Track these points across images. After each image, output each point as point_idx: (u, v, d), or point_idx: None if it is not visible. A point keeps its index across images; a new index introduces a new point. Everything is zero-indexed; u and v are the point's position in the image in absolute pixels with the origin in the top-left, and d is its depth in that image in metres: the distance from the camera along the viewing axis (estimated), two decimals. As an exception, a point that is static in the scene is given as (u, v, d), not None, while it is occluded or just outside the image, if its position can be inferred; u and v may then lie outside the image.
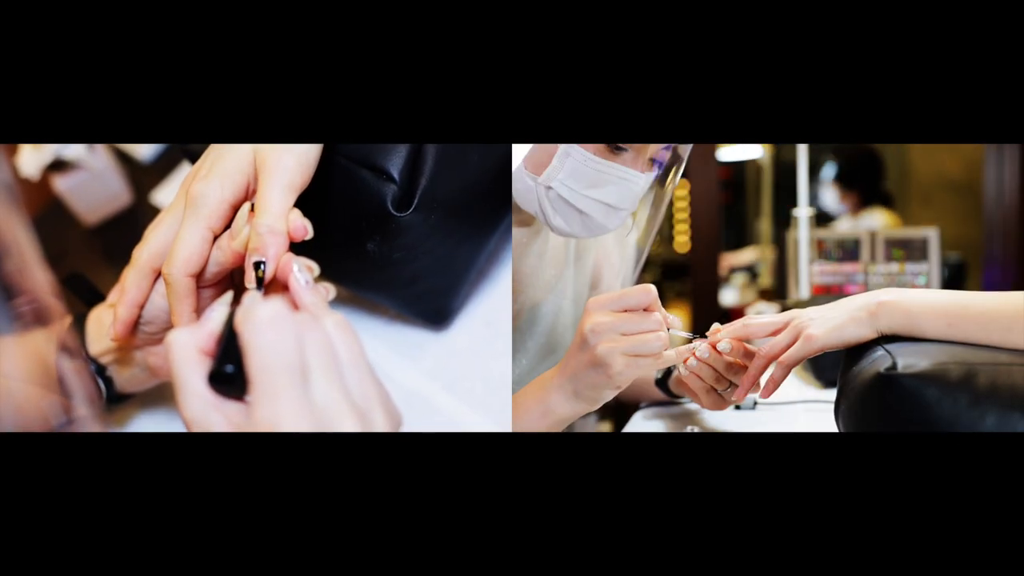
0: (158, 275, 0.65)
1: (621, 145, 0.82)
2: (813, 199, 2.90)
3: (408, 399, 0.76)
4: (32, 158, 1.00)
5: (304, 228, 0.61)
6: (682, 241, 4.36)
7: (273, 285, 0.60)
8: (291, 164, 0.62)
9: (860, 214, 3.07)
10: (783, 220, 3.51)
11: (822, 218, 3.26)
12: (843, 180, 3.10)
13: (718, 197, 2.57)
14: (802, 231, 2.04)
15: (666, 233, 4.42)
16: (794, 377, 1.40)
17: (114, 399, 0.73)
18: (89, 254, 1.04)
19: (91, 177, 1.02)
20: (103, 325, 0.71)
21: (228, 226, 0.64)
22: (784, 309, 1.83)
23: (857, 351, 0.74)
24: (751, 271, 3.81)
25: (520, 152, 0.84)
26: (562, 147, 0.83)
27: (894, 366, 0.64)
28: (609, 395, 0.78)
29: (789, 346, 0.78)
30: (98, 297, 0.75)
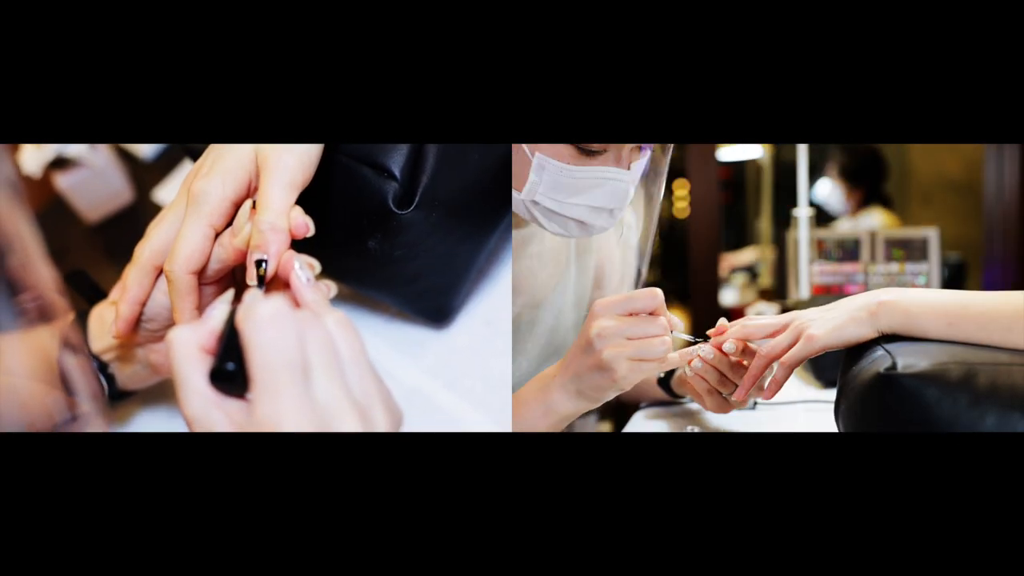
0: (160, 272, 0.65)
1: (594, 148, 0.80)
2: (813, 199, 2.90)
3: (409, 397, 0.76)
4: (34, 156, 1.00)
5: (306, 225, 0.61)
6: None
7: (274, 283, 0.60)
8: (292, 162, 0.63)
9: (859, 214, 3.07)
10: (783, 220, 3.51)
11: (822, 218, 3.26)
12: (849, 177, 3.10)
13: (718, 197, 2.57)
14: (802, 231, 2.04)
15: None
16: (794, 377, 1.40)
17: (116, 396, 0.73)
18: (91, 251, 1.04)
19: (93, 175, 1.02)
20: (105, 322, 0.71)
21: (230, 223, 0.64)
22: (784, 309, 1.84)
23: (857, 351, 0.74)
24: (751, 271, 3.81)
25: None
26: (535, 161, 0.81)
27: (894, 366, 0.64)
28: (612, 395, 0.79)
29: (790, 347, 0.79)
30: (100, 294, 0.75)
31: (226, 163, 0.63)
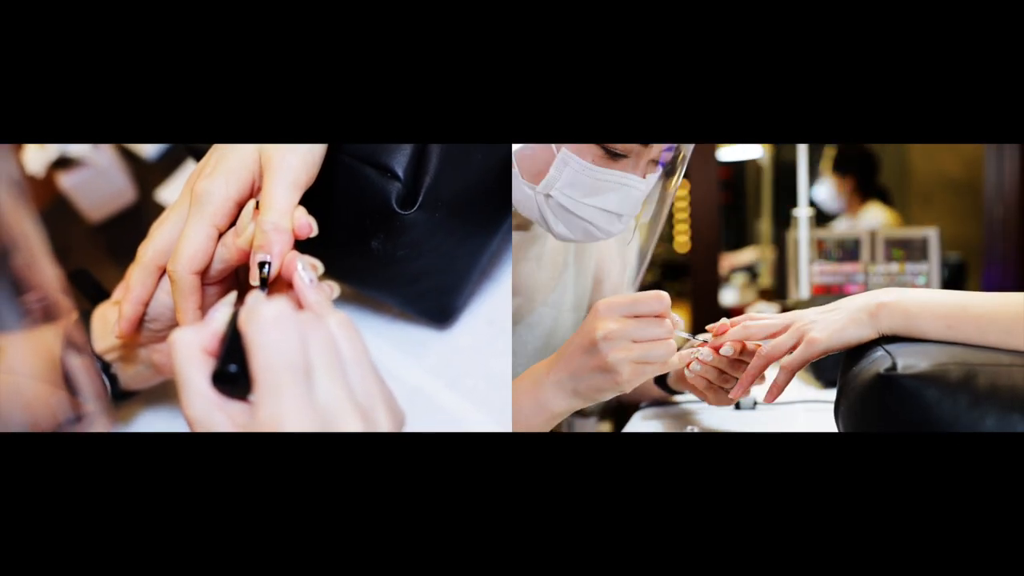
0: (163, 272, 0.65)
1: (619, 151, 0.82)
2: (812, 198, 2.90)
3: (411, 396, 0.76)
4: (37, 155, 1.00)
5: (309, 226, 0.61)
6: (682, 241, 4.37)
7: (277, 283, 0.60)
8: (296, 162, 0.63)
9: (859, 212, 3.07)
10: (783, 220, 3.51)
11: (822, 218, 3.26)
12: (838, 167, 3.10)
13: (718, 197, 2.57)
14: (802, 231, 2.04)
15: (666, 233, 4.42)
16: (795, 377, 1.40)
17: (118, 396, 0.74)
18: (93, 251, 1.04)
19: (96, 174, 1.02)
20: (108, 322, 0.71)
21: (233, 223, 0.64)
22: (784, 309, 1.84)
23: (857, 351, 0.74)
24: (751, 271, 3.82)
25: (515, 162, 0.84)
26: (559, 156, 0.82)
27: (894, 367, 0.64)
28: (610, 396, 0.79)
29: (791, 348, 0.79)
30: (103, 294, 0.76)
31: (229, 163, 0.63)
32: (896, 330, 0.73)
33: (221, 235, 0.64)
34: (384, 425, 0.52)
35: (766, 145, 3.87)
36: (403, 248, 0.71)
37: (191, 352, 0.52)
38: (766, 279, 3.61)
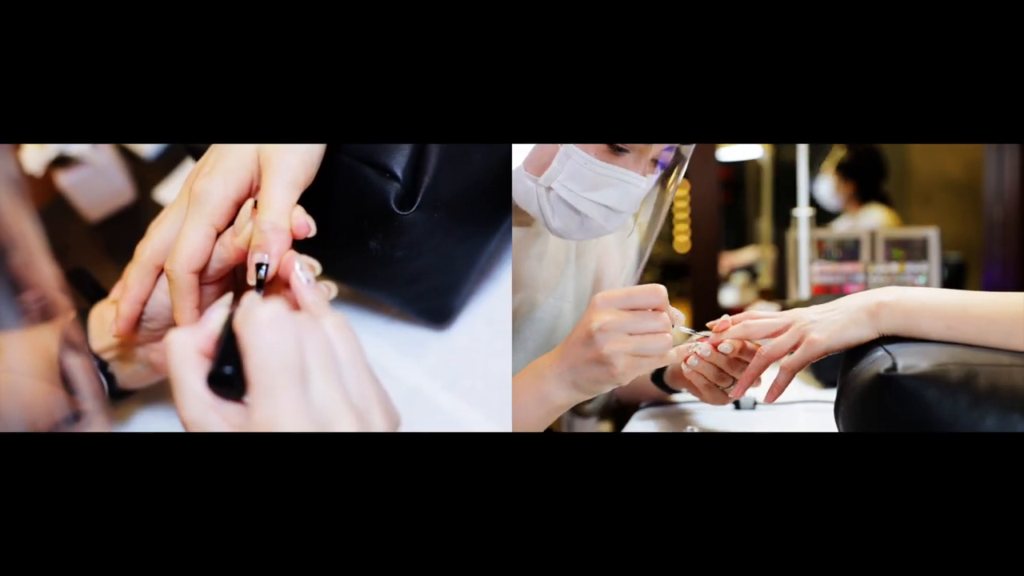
0: (161, 272, 0.65)
1: (622, 146, 0.82)
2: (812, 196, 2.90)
3: (409, 397, 0.76)
4: (36, 154, 1.00)
5: (307, 225, 0.61)
6: (682, 241, 4.37)
7: (275, 283, 0.60)
8: (294, 161, 0.63)
9: (858, 212, 3.07)
10: (783, 220, 3.51)
11: (822, 218, 3.26)
12: (842, 169, 3.10)
13: (718, 197, 2.57)
14: (802, 231, 2.04)
15: (666, 233, 4.43)
16: (794, 377, 1.40)
17: (116, 395, 0.73)
18: (92, 250, 1.04)
19: (94, 173, 1.02)
20: (105, 321, 0.71)
21: (231, 223, 0.64)
22: (784, 309, 1.83)
23: (857, 351, 0.74)
24: (751, 271, 3.82)
25: (520, 153, 0.84)
26: (562, 149, 0.82)
27: (894, 367, 0.64)
28: (608, 388, 0.79)
29: (791, 348, 0.79)
30: (100, 293, 0.75)
31: (228, 162, 0.63)
32: (896, 330, 0.73)
33: (219, 234, 0.64)
34: (379, 426, 0.52)
35: (766, 145, 3.87)
36: (402, 248, 0.71)
37: (186, 353, 0.52)
38: (766, 279, 3.62)
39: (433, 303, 0.77)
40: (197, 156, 0.69)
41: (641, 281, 1.08)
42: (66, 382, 0.57)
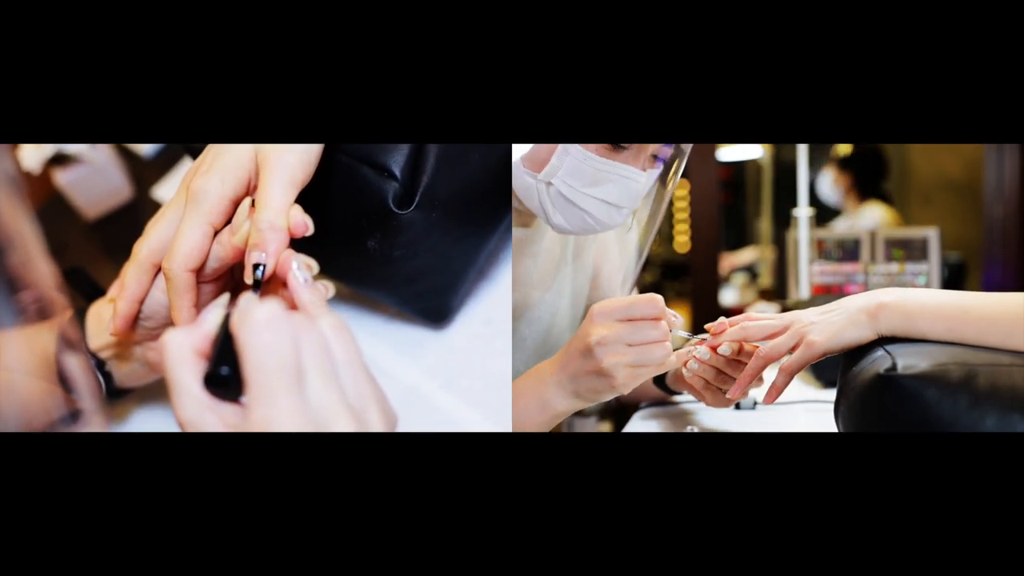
0: (158, 270, 0.65)
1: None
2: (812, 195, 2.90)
3: (407, 397, 0.76)
4: (33, 152, 1.00)
5: (305, 224, 0.61)
6: (682, 241, 4.37)
7: (272, 282, 0.60)
8: (292, 160, 0.62)
9: (857, 209, 3.07)
10: (783, 220, 3.51)
11: (822, 218, 3.26)
12: (841, 161, 3.10)
13: (718, 197, 2.57)
14: (802, 231, 2.04)
15: (666, 233, 4.43)
16: (794, 377, 1.40)
17: (113, 394, 0.73)
18: (89, 248, 1.04)
19: (92, 171, 1.02)
20: (103, 320, 0.71)
21: (229, 222, 0.64)
22: (784, 309, 1.84)
23: (857, 351, 0.74)
24: (751, 271, 3.82)
25: (519, 150, 0.84)
26: (561, 145, 0.82)
27: (894, 367, 0.64)
28: (609, 398, 0.79)
29: (790, 350, 0.79)
30: (98, 292, 0.75)
31: (225, 161, 0.63)
32: (896, 331, 0.73)
33: (217, 233, 0.63)
34: (376, 427, 0.52)
35: (766, 145, 3.87)
36: (400, 248, 0.71)
37: (182, 354, 0.51)
38: (766, 279, 3.61)
39: (431, 302, 0.77)
40: (195, 155, 0.69)
41: (640, 278, 1.08)
42: (63, 381, 0.57)
